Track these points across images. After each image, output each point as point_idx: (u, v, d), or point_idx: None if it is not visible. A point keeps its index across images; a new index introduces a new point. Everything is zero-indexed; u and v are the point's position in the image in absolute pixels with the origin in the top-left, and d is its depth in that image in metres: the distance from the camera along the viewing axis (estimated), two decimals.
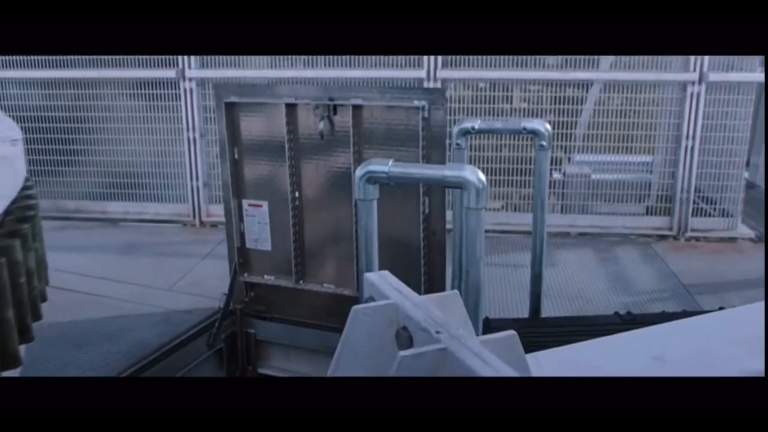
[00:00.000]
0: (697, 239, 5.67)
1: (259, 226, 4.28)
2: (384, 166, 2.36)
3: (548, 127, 3.21)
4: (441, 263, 3.88)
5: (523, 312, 4.23)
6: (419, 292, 3.77)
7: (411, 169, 2.39)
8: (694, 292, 4.56)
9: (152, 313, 4.38)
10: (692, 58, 5.34)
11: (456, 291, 1.81)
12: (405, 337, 1.63)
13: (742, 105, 5.46)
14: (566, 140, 5.94)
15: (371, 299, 1.85)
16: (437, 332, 1.54)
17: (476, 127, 3.23)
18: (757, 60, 5.36)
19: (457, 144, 3.26)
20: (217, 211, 5.79)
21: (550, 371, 1.93)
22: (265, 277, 4.34)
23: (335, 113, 3.86)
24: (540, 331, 3.12)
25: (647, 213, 5.88)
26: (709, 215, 5.83)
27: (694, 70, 5.37)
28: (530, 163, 5.85)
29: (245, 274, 4.36)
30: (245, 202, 4.27)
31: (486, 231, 5.47)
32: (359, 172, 2.41)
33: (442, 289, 3.89)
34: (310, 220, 4.16)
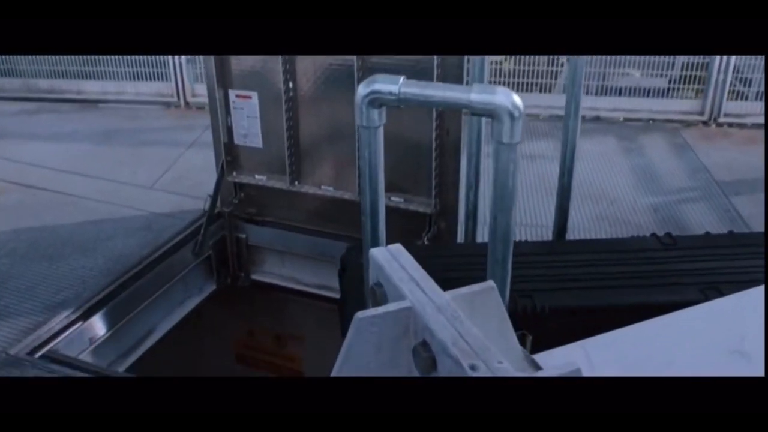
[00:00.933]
0: (730, 125, 5.17)
1: (248, 120, 3.79)
2: (393, 84, 1.86)
3: None
4: (455, 166, 3.43)
5: (545, 218, 3.83)
6: (429, 198, 3.28)
7: (428, 89, 1.88)
8: (729, 191, 4.14)
9: (132, 216, 3.97)
10: None
11: (492, 284, 1.38)
12: (426, 359, 1.21)
13: None
14: None
15: (379, 287, 1.43)
16: (472, 366, 1.12)
17: None
18: None
19: None
20: (204, 91, 5.24)
21: (600, 366, 1.52)
22: (256, 176, 3.91)
23: None
24: (568, 259, 2.71)
25: (669, 94, 5.33)
26: (746, 98, 5.30)
27: None
28: None
29: (234, 173, 3.93)
30: (232, 93, 3.75)
31: None
32: (361, 91, 1.91)
33: (455, 197, 3.46)
34: (306, 114, 3.67)
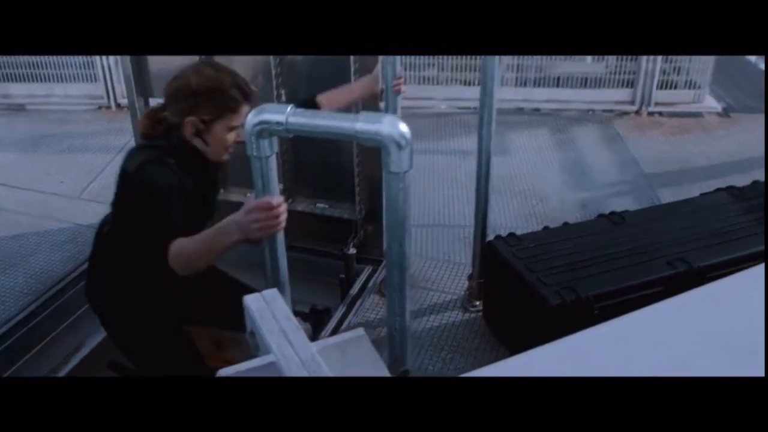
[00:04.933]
0: (661, 114, 5.24)
1: None
2: (280, 114, 1.83)
3: None
4: (378, 169, 3.41)
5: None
6: (354, 204, 3.24)
7: (315, 119, 1.86)
8: (657, 184, 4.20)
9: (57, 230, 3.89)
10: None
11: (361, 332, 1.39)
12: None
13: None
14: None
15: (252, 337, 1.43)
16: None
17: None
18: None
19: None
20: None
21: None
22: None
23: None
24: (559, 248, 2.82)
25: (605, 84, 5.38)
26: (675, 86, 5.37)
27: None
28: None
29: None
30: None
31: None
32: (251, 119, 1.88)
33: (380, 202, 3.45)
34: None
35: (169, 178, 2.25)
